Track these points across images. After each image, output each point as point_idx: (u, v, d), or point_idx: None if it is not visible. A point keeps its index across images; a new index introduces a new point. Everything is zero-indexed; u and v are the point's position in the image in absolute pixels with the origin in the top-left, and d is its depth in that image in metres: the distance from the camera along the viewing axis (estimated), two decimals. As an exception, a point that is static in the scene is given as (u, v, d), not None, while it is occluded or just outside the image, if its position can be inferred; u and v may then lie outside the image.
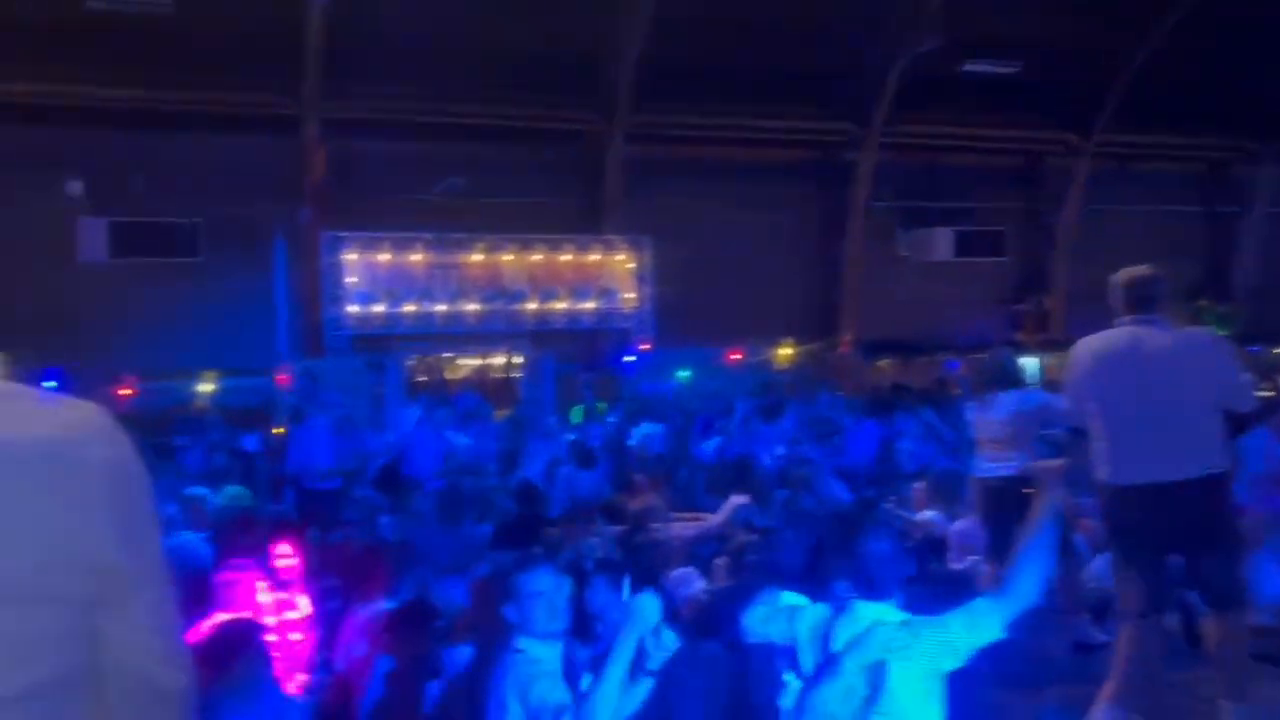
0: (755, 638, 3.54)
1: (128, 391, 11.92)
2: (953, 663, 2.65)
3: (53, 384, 11.55)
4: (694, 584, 5.23)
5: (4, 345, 11.94)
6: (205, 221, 13.21)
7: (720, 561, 5.23)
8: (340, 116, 13.44)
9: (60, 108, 12.32)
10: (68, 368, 11.86)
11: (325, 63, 12.93)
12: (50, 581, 1.00)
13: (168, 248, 13.20)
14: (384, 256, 14.00)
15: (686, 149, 15.35)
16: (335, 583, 5.67)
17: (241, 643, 4.02)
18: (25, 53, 11.72)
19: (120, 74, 12.17)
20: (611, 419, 11.17)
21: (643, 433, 10.12)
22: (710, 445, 9.76)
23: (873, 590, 2.74)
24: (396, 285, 14.06)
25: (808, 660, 2.94)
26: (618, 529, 6.08)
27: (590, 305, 15.09)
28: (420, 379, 14.18)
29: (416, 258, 14.15)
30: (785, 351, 15.34)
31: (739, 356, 14.71)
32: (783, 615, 3.24)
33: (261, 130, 13.39)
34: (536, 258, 14.81)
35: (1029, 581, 2.70)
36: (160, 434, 10.35)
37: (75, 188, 12.94)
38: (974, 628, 2.63)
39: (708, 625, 4.44)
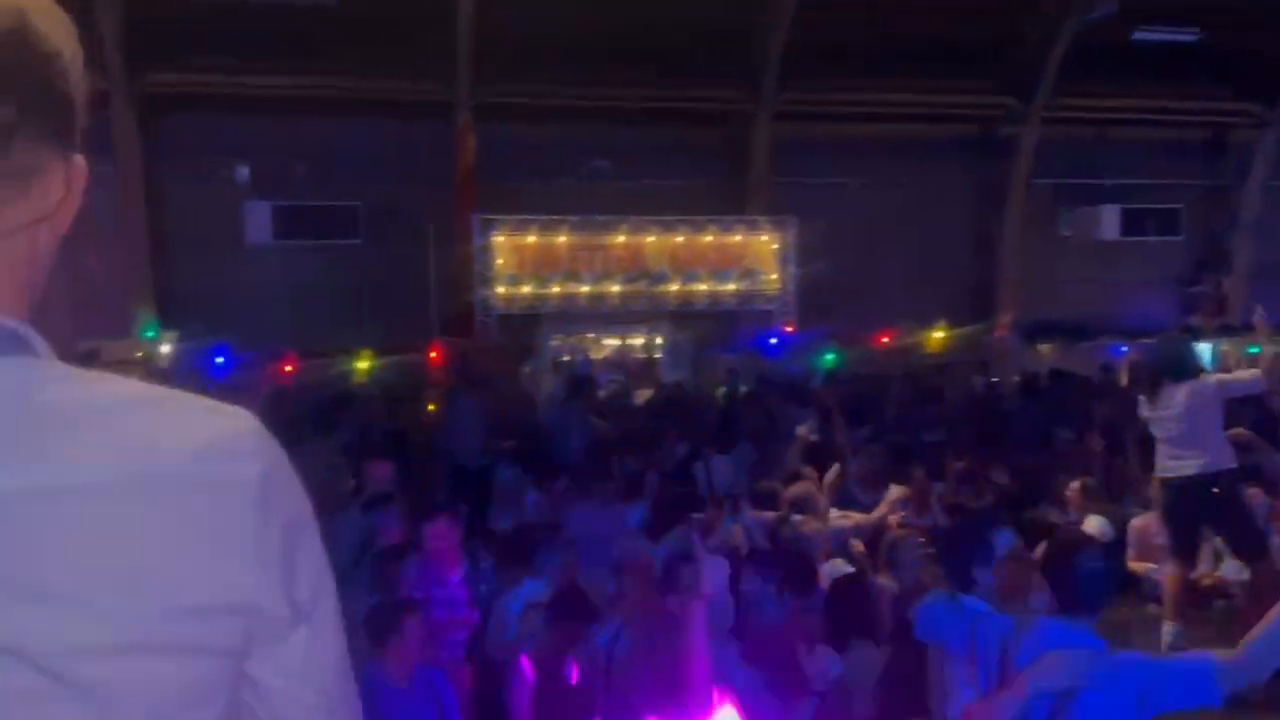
0: (929, 638, 3.34)
1: (290, 368, 12.45)
2: (1153, 712, 2.39)
3: (220, 360, 12.19)
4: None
5: (179, 323, 12.78)
6: (363, 205, 13.65)
7: (880, 556, 5.02)
8: (491, 102, 13.65)
9: (231, 97, 12.91)
10: (234, 345, 12.49)
11: (476, 50, 13.13)
12: (185, 630, 0.81)
13: (327, 230, 13.70)
14: (531, 239, 14.19)
15: (834, 127, 14.96)
16: (486, 562, 5.73)
17: (396, 621, 4.08)
18: (201, 45, 12.34)
19: (286, 64, 12.67)
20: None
21: (788, 418, 9.90)
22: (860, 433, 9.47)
23: (1074, 608, 2.51)
24: (542, 267, 14.23)
25: (984, 671, 2.75)
26: (769, 515, 5.94)
27: (732, 286, 14.92)
28: (564, 359, 14.34)
29: (562, 240, 14.28)
30: (938, 335, 14.79)
31: (889, 340, 14.28)
32: (961, 619, 3.05)
33: (417, 117, 13.73)
34: (679, 239, 14.72)
35: (1268, 661, 2.40)
36: (319, 410, 10.75)
37: (243, 174, 13.56)
38: (1191, 688, 2.36)
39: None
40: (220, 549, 0.83)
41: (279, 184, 13.46)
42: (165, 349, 12.60)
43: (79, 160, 0.94)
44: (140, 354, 12.39)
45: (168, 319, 12.96)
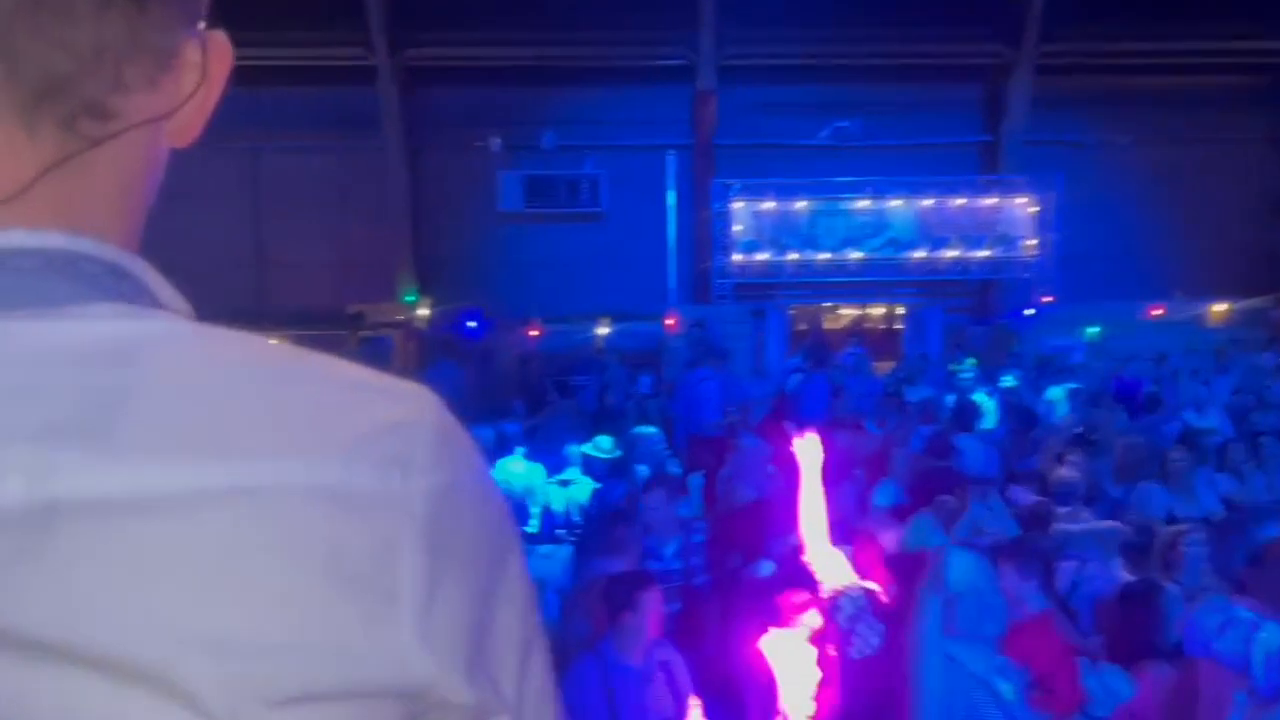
0: (1203, 651, 2.99)
1: (535, 333, 12.89)
2: None
3: (473, 324, 12.78)
4: (1097, 580, 4.61)
5: (436, 288, 13.51)
6: (606, 172, 13.88)
7: (1155, 556, 4.54)
8: (732, 64, 13.48)
9: (484, 68, 13.41)
10: (485, 310, 13.07)
11: (719, 10, 12.98)
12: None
13: (573, 198, 14.04)
14: (769, 204, 13.95)
15: (1103, 79, 13.72)
16: (720, 537, 5.66)
17: (633, 594, 4.06)
18: (457, 18, 12.88)
19: (535, 34, 13.02)
20: (1009, 379, 10.32)
21: (1049, 397, 9.23)
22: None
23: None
24: (781, 232, 13.98)
25: (1263, 683, 2.39)
26: (1027, 502, 5.52)
27: (984, 253, 14.08)
28: (800, 328, 14.06)
29: (801, 204, 13.95)
30: (1220, 308, 13.34)
31: (1161, 312, 13.02)
32: (1238, 629, 2.69)
33: (659, 82, 13.76)
34: (927, 203, 14.03)
35: None
36: (561, 374, 11.08)
37: (496, 144, 14.10)
38: None
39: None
40: (362, 608, 0.54)
41: (529, 153, 13.91)
42: (422, 312, 13.36)
43: (219, 37, 0.70)
44: (401, 317, 13.19)
45: (426, 284, 13.73)
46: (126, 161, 0.64)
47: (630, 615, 3.96)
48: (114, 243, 0.62)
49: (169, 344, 0.58)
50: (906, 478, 6.07)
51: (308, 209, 13.63)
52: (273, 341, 0.61)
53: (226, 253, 13.40)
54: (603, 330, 13.09)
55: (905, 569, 3.67)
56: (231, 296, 13.13)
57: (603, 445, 7.92)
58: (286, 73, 12.92)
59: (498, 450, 7.59)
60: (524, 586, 0.64)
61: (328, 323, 12.94)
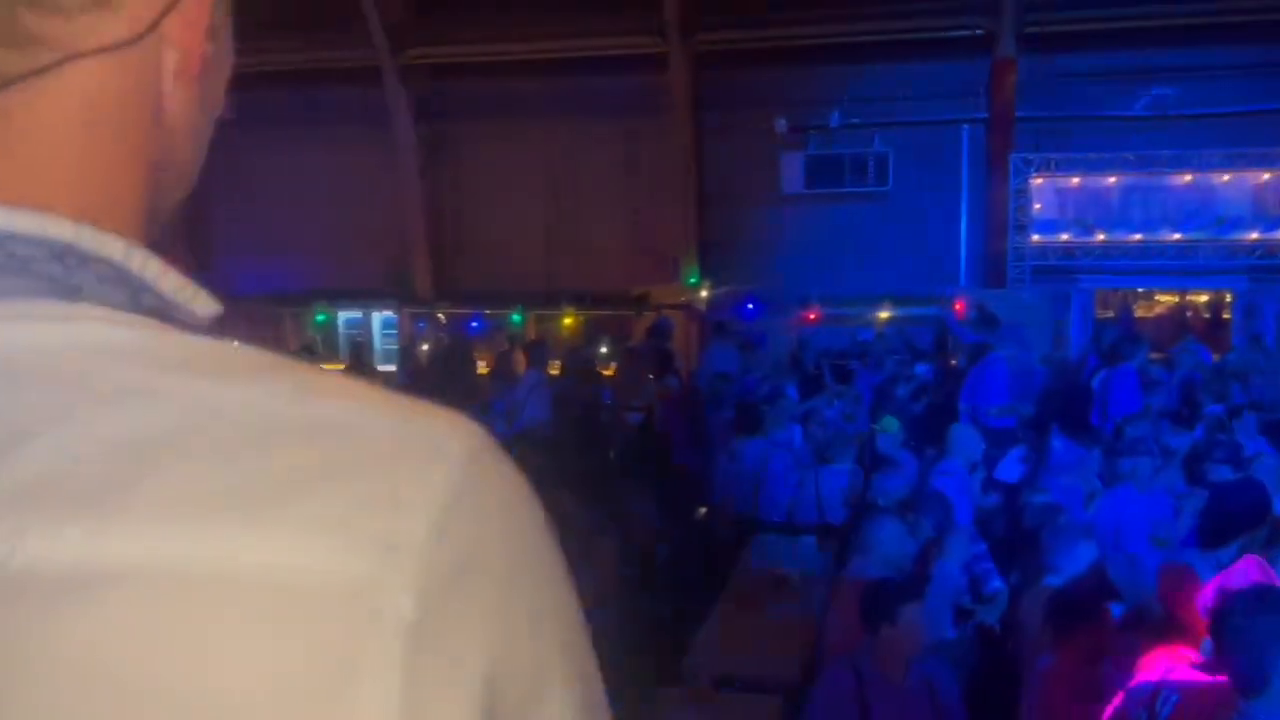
0: None
1: (813, 316, 12.75)
2: None
3: (751, 306, 12.83)
4: None
5: (718, 270, 13.67)
6: (893, 150, 13.43)
7: None
8: (1034, 31, 12.59)
9: (770, 50, 13.34)
10: (764, 293, 13.08)
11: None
12: None
13: (858, 178, 13.69)
14: (1074, 181, 12.92)
15: None
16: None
17: (894, 605, 3.91)
18: (747, 2, 12.90)
19: (817, 12, 12.79)
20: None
21: None
22: None
23: None
24: (1086, 212, 12.91)
25: None
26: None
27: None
28: (1105, 314, 12.98)
29: (1112, 181, 12.80)
30: None
31: None
32: None
33: (952, 54, 13.10)
34: (1264, 177, 12.44)
35: None
36: (839, 359, 10.89)
37: (781, 125, 14.00)
38: None
39: None
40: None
41: (815, 133, 13.71)
42: (703, 294, 13.57)
43: None
44: (683, 299, 13.47)
45: (708, 266, 13.92)
46: (81, 110, 0.48)
47: (889, 629, 3.80)
48: (88, 219, 0.46)
49: (87, 360, 0.43)
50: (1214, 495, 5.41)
51: (598, 192, 14.19)
52: (265, 358, 0.47)
53: (521, 235, 14.24)
54: (884, 314, 12.71)
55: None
56: (524, 278, 13.99)
57: (890, 428, 7.73)
58: (583, 63, 13.51)
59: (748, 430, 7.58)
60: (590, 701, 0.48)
61: (613, 304, 13.45)
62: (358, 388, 0.47)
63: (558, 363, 10.12)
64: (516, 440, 7.34)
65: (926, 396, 10.09)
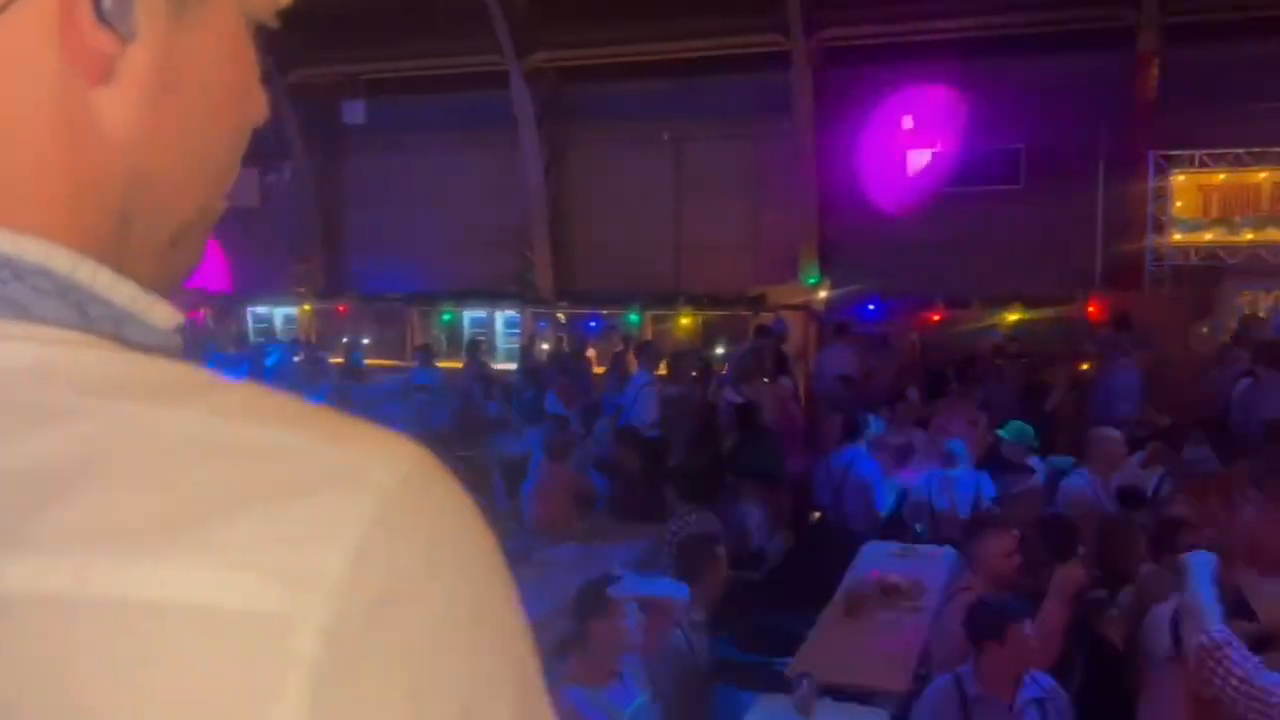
0: None
1: (936, 318, 12.45)
2: None
3: (872, 307, 12.62)
4: None
5: (839, 270, 13.48)
6: (1025, 147, 13.00)
7: None
8: (1180, 21, 11.99)
9: (896, 45, 13.08)
10: (885, 293, 12.85)
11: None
12: None
13: (987, 175, 13.30)
14: (1220, 177, 12.25)
15: None
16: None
17: (1002, 623, 3.82)
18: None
19: (938, 6, 12.49)
20: None
21: None
22: None
23: None
24: (1233, 209, 12.23)
25: None
26: None
27: None
28: (1251, 318, 12.25)
29: (1263, 176, 12.08)
30: None
31: None
32: None
33: (1090, 47, 12.57)
34: None
35: None
36: (963, 362, 10.61)
37: (908, 122, 13.71)
38: None
39: None
40: None
41: (940, 130, 13.38)
42: (822, 294, 13.41)
43: None
44: (801, 300, 13.35)
45: (828, 266, 13.75)
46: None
47: (995, 647, 3.71)
48: (26, 227, 0.44)
49: (3, 382, 0.42)
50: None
51: (722, 193, 14.19)
52: (202, 377, 0.45)
53: (650, 237, 14.37)
54: (1013, 316, 12.32)
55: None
56: (652, 279, 14.11)
57: (1025, 435, 7.52)
58: (706, 63, 13.54)
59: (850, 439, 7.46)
60: None
61: (730, 304, 13.43)
62: (296, 410, 0.45)
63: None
64: (621, 438, 7.44)
65: (1054, 401, 9.76)
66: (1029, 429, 7.54)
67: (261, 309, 15.96)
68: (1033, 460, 7.41)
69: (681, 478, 5.91)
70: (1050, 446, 8.20)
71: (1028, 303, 12.27)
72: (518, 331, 14.35)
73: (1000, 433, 7.72)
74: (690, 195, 14.38)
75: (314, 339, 14.69)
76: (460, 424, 9.00)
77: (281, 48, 14.85)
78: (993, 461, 7.48)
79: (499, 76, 14.03)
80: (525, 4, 13.70)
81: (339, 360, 12.67)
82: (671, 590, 4.29)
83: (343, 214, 16.17)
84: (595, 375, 11.49)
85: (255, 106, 0.54)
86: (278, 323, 15.90)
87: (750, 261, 13.98)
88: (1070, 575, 4.39)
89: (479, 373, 11.40)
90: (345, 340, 13.58)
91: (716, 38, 13.27)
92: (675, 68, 13.71)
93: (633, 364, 9.73)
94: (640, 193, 14.42)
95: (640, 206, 14.41)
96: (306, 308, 15.70)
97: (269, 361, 12.32)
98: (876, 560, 6.24)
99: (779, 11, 12.90)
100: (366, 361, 12.93)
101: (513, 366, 12.56)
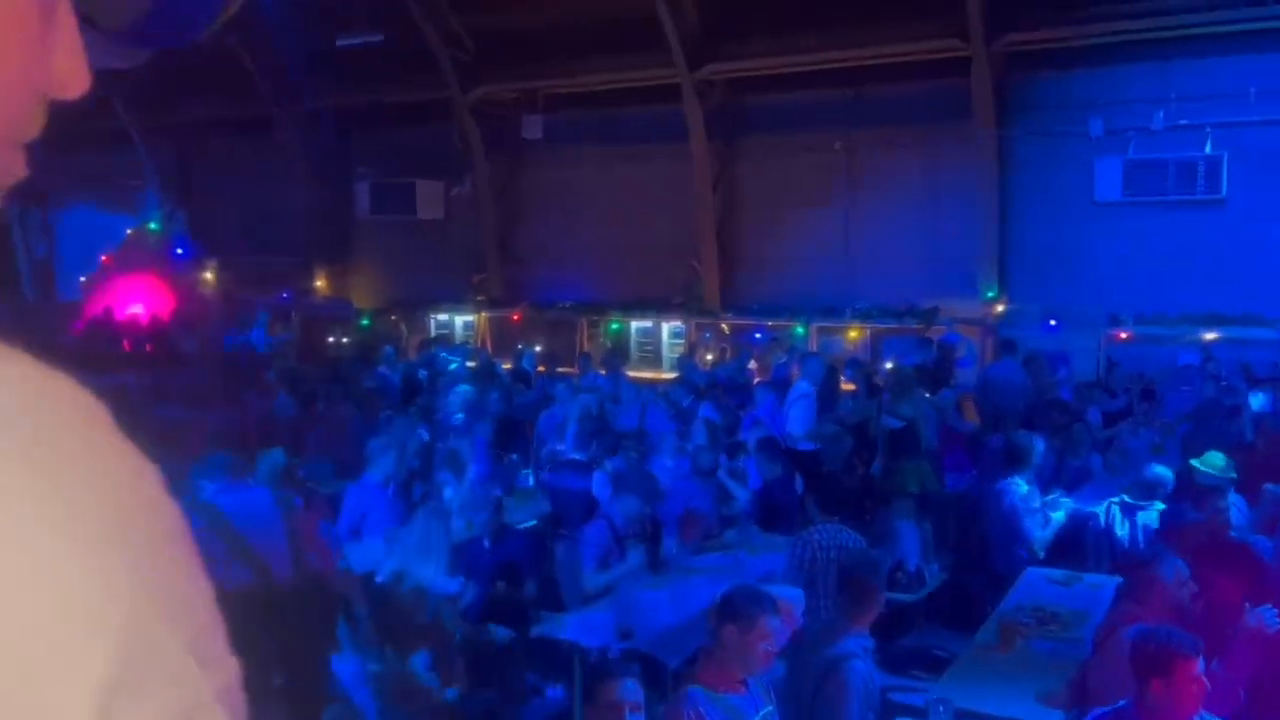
0: None
1: (1124, 335, 11.71)
2: None
3: (1053, 322, 12.01)
4: None
5: (1020, 284, 12.86)
6: (1228, 153, 12.04)
7: None
8: None
9: (1086, 49, 12.41)
10: (1070, 310, 12.19)
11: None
12: None
13: (1185, 184, 12.40)
14: None
15: None
16: None
17: (1172, 658, 3.52)
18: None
19: (1136, 6, 11.76)
20: None
21: None
22: None
23: None
24: None
25: None
26: None
27: None
28: None
29: None
30: None
31: None
32: None
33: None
34: None
35: None
36: (1150, 383, 9.93)
37: (1096, 128, 12.97)
38: None
39: None
40: None
41: (1133, 136, 12.57)
42: (999, 308, 12.84)
43: None
44: (978, 314, 12.82)
45: (1008, 279, 13.14)
46: None
47: (1161, 684, 3.43)
48: None
49: None
50: None
51: (895, 203, 13.83)
52: None
53: (819, 247, 14.16)
54: (1211, 335, 11.41)
55: None
56: (820, 289, 13.89)
57: (1214, 463, 6.97)
58: (881, 71, 13.25)
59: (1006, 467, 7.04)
60: None
61: (900, 317, 13.06)
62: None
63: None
64: (764, 449, 7.32)
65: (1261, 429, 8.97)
66: (1224, 458, 6.95)
67: (443, 316, 16.68)
68: (1230, 495, 6.81)
69: (828, 491, 5.78)
70: (1251, 480, 7.53)
71: (1230, 321, 11.35)
72: (681, 342, 14.44)
73: (1194, 462, 7.15)
74: (861, 205, 14.08)
75: (488, 345, 15.24)
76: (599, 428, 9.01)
77: (465, 68, 15.55)
78: (1183, 493, 6.93)
79: (671, 90, 14.17)
80: (698, 18, 13.79)
81: (509, 366, 13.10)
82: (790, 595, 4.21)
83: (519, 225, 16.71)
84: (755, 386, 11.40)
85: (43, 74, 0.50)
86: (458, 329, 16.58)
87: (923, 273, 13.55)
88: (1264, 618, 4.01)
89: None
90: (519, 347, 14.06)
91: (892, 45, 12.96)
92: (848, 76, 13.48)
93: (795, 375, 9.62)
94: (809, 203, 14.23)
95: (809, 217, 14.22)
96: (483, 315, 16.32)
97: (450, 367, 12.91)
98: (1037, 587, 5.92)
99: (958, 16, 12.46)
100: (539, 368, 13.32)
101: (675, 376, 12.65)
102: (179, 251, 18.90)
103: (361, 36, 15.47)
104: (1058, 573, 6.20)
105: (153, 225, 19.00)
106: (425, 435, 8.54)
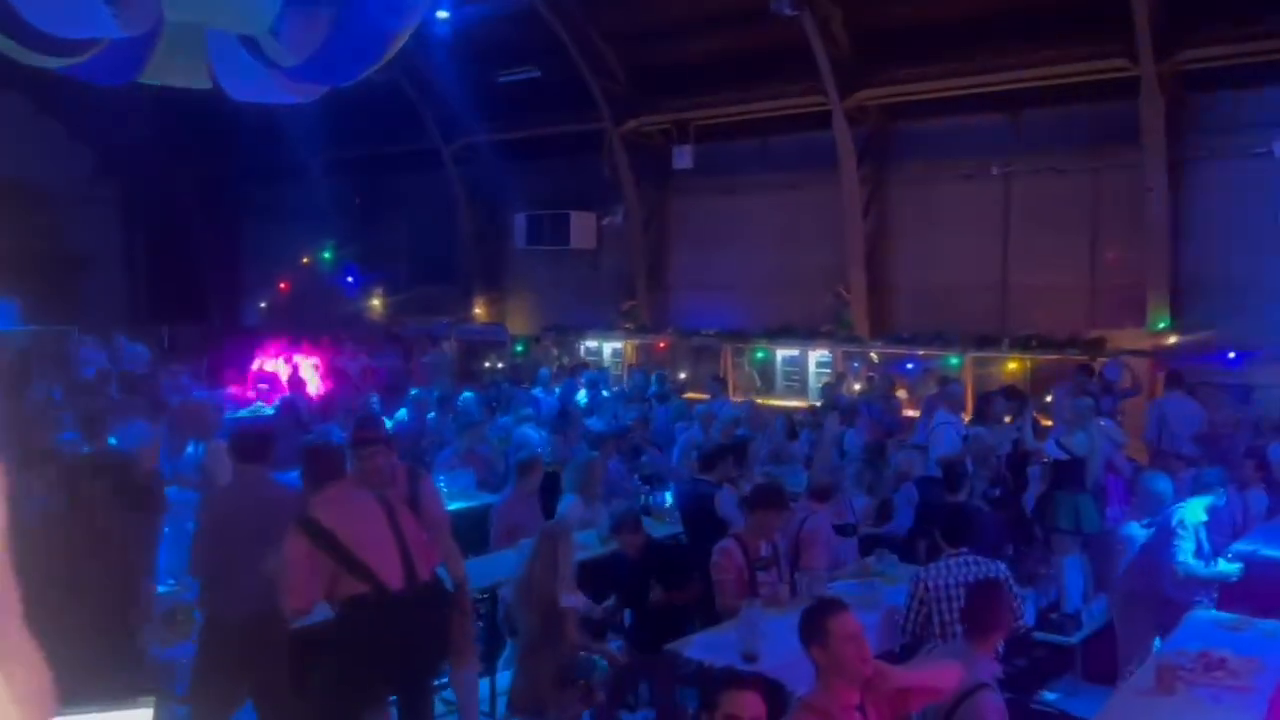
0: None
1: None
2: None
3: (1233, 355, 11.23)
4: None
5: (1190, 314, 12.09)
6: None
7: None
8: None
9: (1261, 65, 11.63)
10: (1253, 341, 11.42)
11: None
12: None
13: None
14: None
15: None
16: None
17: None
18: (1231, 16, 11.43)
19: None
20: None
21: None
22: None
23: None
24: None
25: None
26: None
27: None
28: None
29: None
30: None
31: None
32: None
33: None
34: None
35: None
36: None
37: (1279, 147, 12.11)
38: None
39: None
40: None
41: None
42: (1172, 340, 12.09)
43: None
44: (1148, 345, 12.11)
45: (1183, 309, 12.36)
46: None
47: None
48: None
49: None
50: None
51: (1054, 229, 13.26)
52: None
53: (975, 275, 13.72)
54: None
55: None
56: (975, 318, 13.43)
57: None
58: (1042, 94, 12.78)
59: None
60: None
61: (1062, 348, 12.47)
62: None
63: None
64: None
65: None
66: None
67: (593, 343, 16.97)
68: None
69: (961, 522, 5.56)
70: None
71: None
72: (828, 371, 14.21)
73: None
74: (1019, 232, 13.56)
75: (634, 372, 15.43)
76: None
77: (617, 101, 15.89)
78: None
79: (821, 117, 14.06)
80: (849, 44, 13.66)
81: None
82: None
83: (668, 254, 16.86)
84: (902, 416, 11.11)
85: None
86: (606, 355, 16.84)
87: (1086, 303, 12.91)
88: None
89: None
90: (660, 372, 14.27)
91: (1054, 66, 12.47)
92: (1004, 99, 13.05)
93: (939, 403, 9.32)
94: (964, 230, 13.81)
95: (964, 244, 13.79)
96: (631, 342, 16.51)
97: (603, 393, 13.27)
98: (1203, 631, 5.51)
99: (1125, 35, 11.89)
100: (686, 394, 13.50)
101: (819, 404, 12.47)
102: (349, 280, 19.96)
103: (521, 72, 16.05)
104: (1227, 616, 5.77)
105: (325, 254, 20.13)
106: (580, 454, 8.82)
